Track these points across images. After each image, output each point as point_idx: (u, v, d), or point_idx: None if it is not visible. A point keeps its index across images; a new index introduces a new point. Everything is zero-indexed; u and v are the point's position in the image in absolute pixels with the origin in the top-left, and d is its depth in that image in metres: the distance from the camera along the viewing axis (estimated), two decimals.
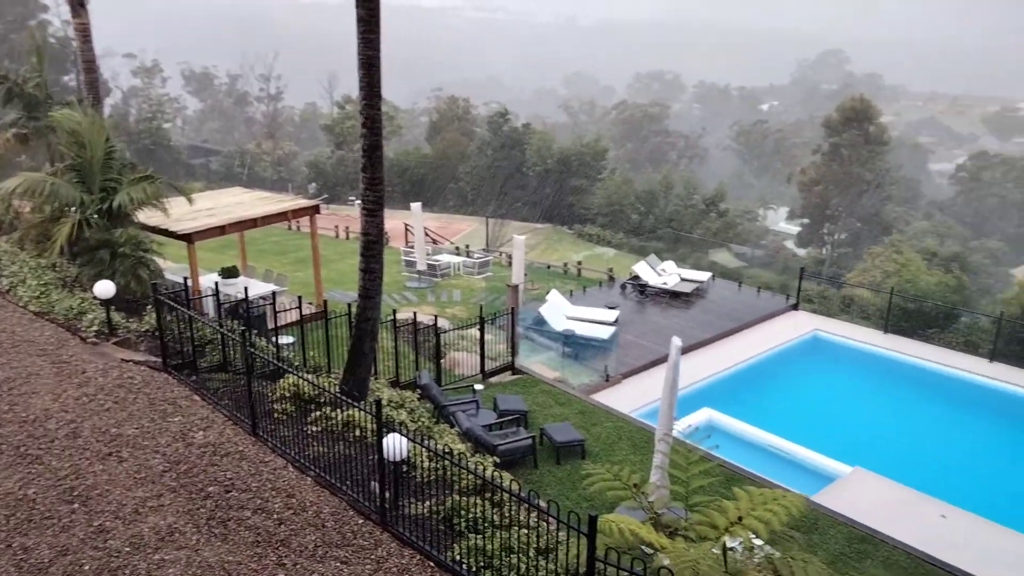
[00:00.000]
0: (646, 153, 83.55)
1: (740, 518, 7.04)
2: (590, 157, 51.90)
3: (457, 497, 8.45)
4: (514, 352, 16.97)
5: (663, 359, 19.11)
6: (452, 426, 12.33)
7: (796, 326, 21.85)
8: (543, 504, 9.17)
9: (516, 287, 18.63)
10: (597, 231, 46.59)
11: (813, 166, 52.83)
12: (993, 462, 15.90)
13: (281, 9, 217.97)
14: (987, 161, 71.18)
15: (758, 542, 7.23)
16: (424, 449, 8.07)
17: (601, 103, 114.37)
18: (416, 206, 26.26)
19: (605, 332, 19.98)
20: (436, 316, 17.12)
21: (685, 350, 19.73)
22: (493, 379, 16.33)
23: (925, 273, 29.63)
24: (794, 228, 60.62)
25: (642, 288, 24.12)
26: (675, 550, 6.70)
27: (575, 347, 19.76)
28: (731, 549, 7.06)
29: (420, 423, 11.49)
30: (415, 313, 17.19)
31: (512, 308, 16.92)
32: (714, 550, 6.93)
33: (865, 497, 13.09)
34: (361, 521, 8.07)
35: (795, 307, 23.05)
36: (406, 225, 32.69)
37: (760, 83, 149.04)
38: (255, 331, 12.91)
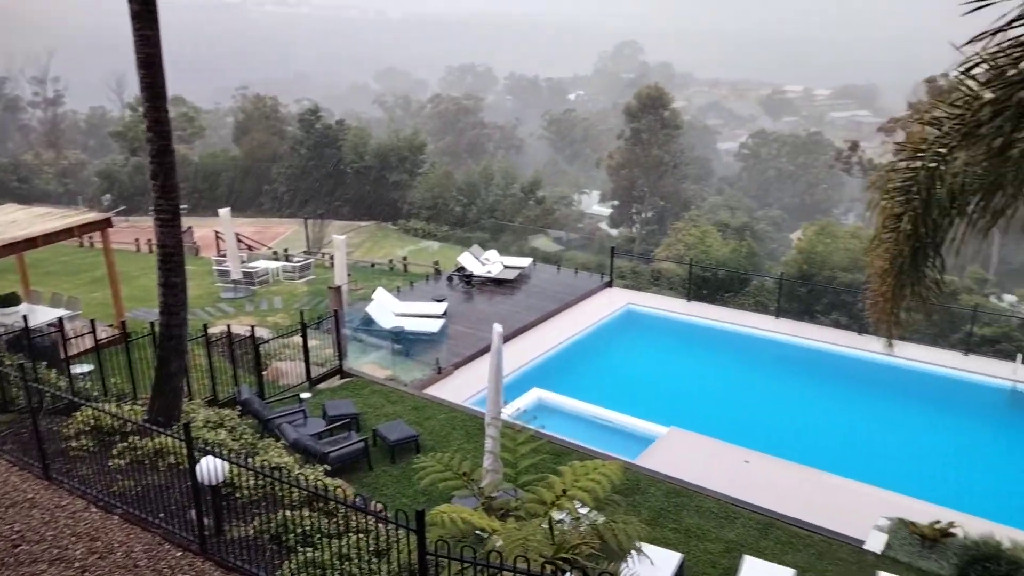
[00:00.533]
0: (464, 145, 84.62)
1: (565, 491, 7.40)
2: (408, 151, 51.64)
3: (286, 512, 8.14)
4: (341, 355, 16.57)
5: (489, 347, 19.62)
6: (278, 439, 11.82)
7: (611, 302, 23.18)
8: (379, 506, 9.07)
9: (339, 288, 18.18)
10: (422, 225, 46.59)
11: (619, 151, 56.15)
12: (783, 406, 17.85)
13: (52, 1, 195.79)
14: (764, 139, 79.47)
15: (584, 510, 7.63)
16: (244, 469, 7.68)
17: (416, 97, 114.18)
18: (224, 212, 24.78)
19: (434, 325, 20.04)
20: (253, 327, 16.28)
21: (513, 334, 20.41)
22: (321, 385, 15.86)
23: (720, 243, 32.63)
24: (606, 210, 64.19)
25: (468, 278, 24.45)
26: (506, 531, 6.90)
27: (406, 343, 19.65)
28: (559, 522, 7.40)
29: (243, 441, 10.91)
30: (229, 326, 16.28)
31: (335, 310, 16.49)
32: (543, 525, 7.23)
33: (680, 454, 14.21)
34: (179, 554, 7.54)
35: (609, 284, 24.44)
36: (216, 233, 30.71)
37: (566, 74, 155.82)
38: (44, 363, 11.59)
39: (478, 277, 24.42)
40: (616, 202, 59.16)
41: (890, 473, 14.01)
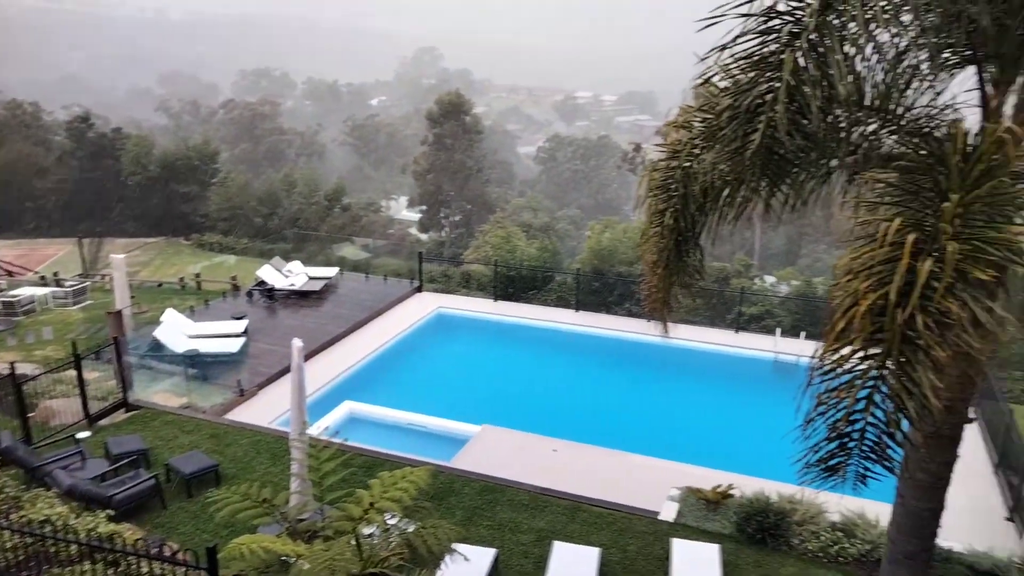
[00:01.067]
0: (263, 152, 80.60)
1: (372, 504, 7.26)
2: (199, 160, 48.21)
3: (59, 570, 7.25)
4: (125, 386, 15.08)
5: None
6: (50, 488, 10.50)
7: (422, 307, 23.21)
8: (172, 547, 8.35)
9: (119, 313, 16.54)
10: (218, 239, 43.71)
11: (423, 156, 56.41)
12: (587, 394, 18.91)
13: None
14: (559, 142, 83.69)
15: (393, 521, 7.54)
16: None
17: (206, 102, 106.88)
18: None
19: (234, 345, 18.88)
20: (13, 363, 14.33)
21: (321, 347, 19.76)
22: (104, 422, 14.33)
23: (525, 243, 33.86)
24: (415, 215, 64.26)
25: (270, 292, 23.31)
26: (312, 553, 6.64)
27: (202, 367, 18.32)
28: (369, 536, 7.25)
29: (3, 495, 9.57)
30: (12, 365, 14.20)
31: (115, 337, 14.98)
32: (352, 542, 7.05)
33: (493, 451, 14.54)
34: None
35: (419, 289, 24.45)
36: None
37: (367, 79, 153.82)
38: None
39: (281, 290, 23.37)
40: (424, 207, 59.39)
41: (680, 446, 15.30)
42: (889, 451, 4.22)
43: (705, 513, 11.48)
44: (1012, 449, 12.87)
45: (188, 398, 16.73)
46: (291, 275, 24.18)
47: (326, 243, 43.18)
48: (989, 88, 5.15)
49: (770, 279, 32.87)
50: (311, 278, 24.11)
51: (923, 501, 6.45)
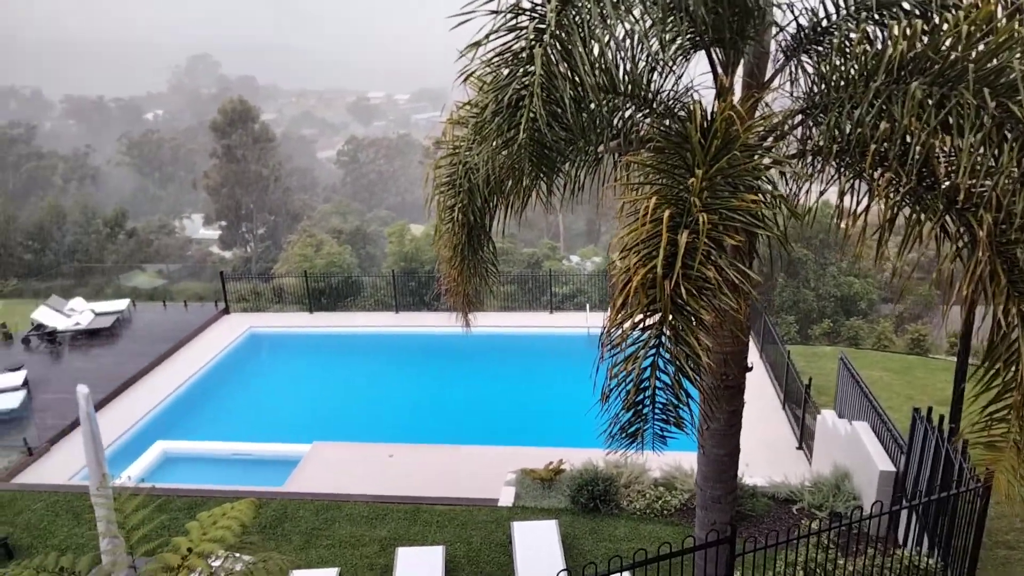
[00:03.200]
0: (23, 182, 71.59)
1: (191, 549, 6.80)
2: None
3: None
4: None
5: (96, 408, 17.09)
6: None
7: (232, 329, 21.93)
8: None
9: None
10: None
11: (215, 169, 53.03)
12: (417, 394, 18.91)
13: None
14: (359, 144, 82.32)
15: (218, 563, 7.12)
16: None
17: None
18: None
19: (12, 400, 16.74)
20: None
21: (121, 388, 18.03)
22: None
23: (339, 249, 33.00)
24: (215, 233, 60.40)
25: (51, 336, 20.86)
26: None
27: None
28: None
29: None
30: None
31: None
32: None
33: (327, 467, 14.14)
34: None
35: (226, 311, 23.07)
36: None
37: (138, 92, 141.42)
38: None
39: (64, 332, 21.00)
40: (223, 223, 55.93)
41: (513, 430, 15.81)
42: (680, 410, 4.64)
43: (541, 491, 11.94)
44: (792, 387, 14.63)
45: None
46: (74, 313, 21.80)
47: (113, 274, 39.34)
48: (720, 70, 5.80)
49: (575, 258, 34.66)
50: (98, 314, 21.89)
51: (721, 447, 7.17)
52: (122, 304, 22.96)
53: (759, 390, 16.17)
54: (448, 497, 11.91)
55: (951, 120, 4.31)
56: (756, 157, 4.55)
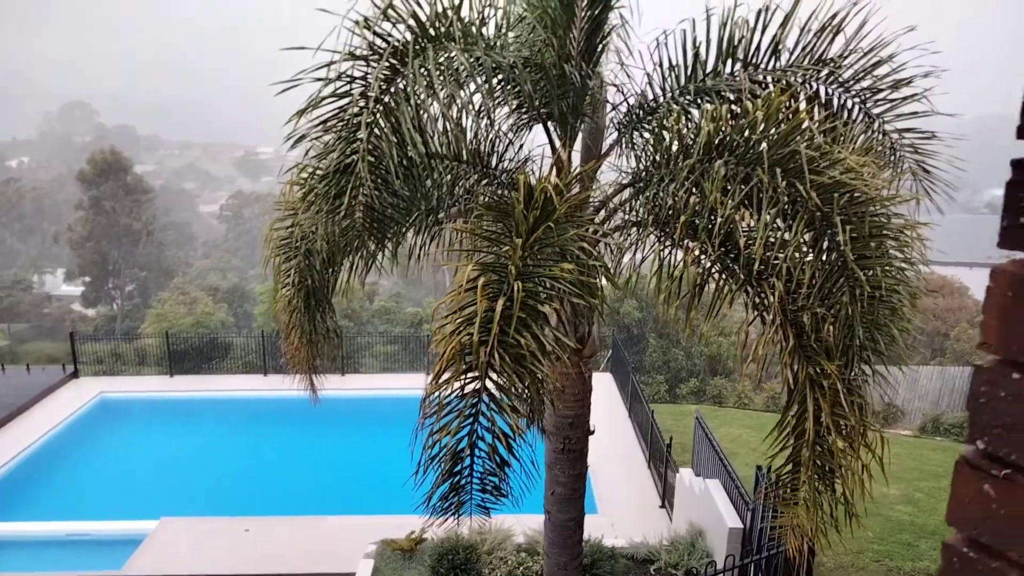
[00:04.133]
0: None
1: None
2: None
3: None
4: None
5: None
6: None
7: (80, 394, 20.23)
8: None
9: None
10: None
11: (80, 222, 49.85)
12: (279, 462, 17.91)
13: None
14: (244, 199, 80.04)
15: None
16: None
17: None
18: None
19: None
20: None
21: None
22: None
23: (210, 309, 31.46)
24: (78, 289, 56.44)
25: None
26: None
27: None
28: None
29: None
30: None
31: None
32: None
33: (176, 544, 13.07)
34: None
35: (75, 375, 21.31)
36: None
37: (3, 137, 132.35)
38: None
39: None
40: (87, 279, 52.32)
41: (381, 498, 15.21)
42: (501, 481, 4.57)
43: (402, 563, 11.47)
44: (657, 446, 14.96)
45: None
46: None
47: None
48: (556, 143, 6.00)
49: None
50: None
51: (565, 512, 7.13)
52: None
53: (628, 450, 16.44)
54: (302, 573, 11.23)
55: (752, 197, 4.60)
56: (576, 228, 4.67)
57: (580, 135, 6.18)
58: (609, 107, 6.09)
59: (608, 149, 6.08)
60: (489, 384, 4.26)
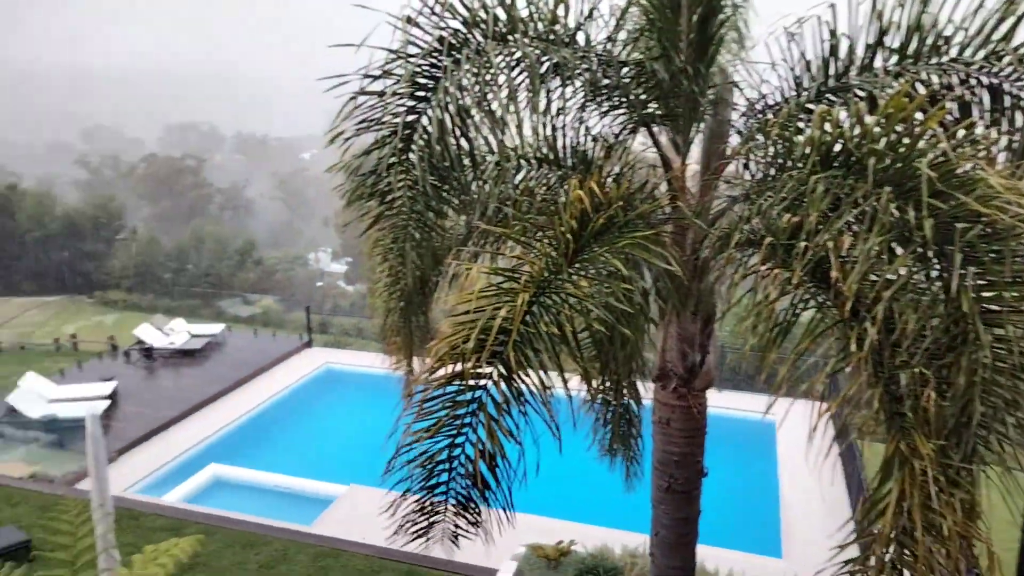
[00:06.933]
0: (185, 208, 78.99)
1: None
2: (104, 217, 46.89)
3: None
4: None
5: (169, 424, 18.19)
6: None
7: (310, 362, 22.74)
8: None
9: None
10: (122, 296, 42.32)
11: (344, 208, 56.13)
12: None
13: None
14: None
15: None
16: None
17: (127, 157, 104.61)
18: None
19: (96, 408, 18.05)
20: None
21: (193, 408, 19.03)
22: None
23: None
24: (343, 267, 63.77)
25: (147, 352, 22.52)
26: None
27: (60, 433, 17.52)
28: None
29: None
30: None
31: None
32: None
33: (357, 512, 14.11)
34: None
35: (309, 344, 23.99)
36: None
37: (299, 132, 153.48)
38: None
39: (160, 349, 22.61)
40: (350, 259, 58.94)
41: (526, 494, 15.11)
42: (475, 506, 4.30)
43: (545, 571, 11.28)
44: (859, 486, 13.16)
45: (40, 466, 15.89)
46: (172, 333, 23.46)
47: (237, 298, 42.20)
48: (664, 146, 5.38)
49: None
50: (193, 336, 23.43)
51: (669, 559, 6.42)
52: (216, 328, 24.46)
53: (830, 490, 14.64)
54: (449, 561, 11.47)
55: (858, 222, 3.71)
56: (627, 241, 4.12)
57: (697, 137, 5.49)
58: (726, 107, 5.32)
59: (725, 162, 5.33)
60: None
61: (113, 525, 9.85)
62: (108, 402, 18.49)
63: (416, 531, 4.35)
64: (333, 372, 22.64)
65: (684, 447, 6.01)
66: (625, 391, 7.01)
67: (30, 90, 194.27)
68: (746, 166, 5.02)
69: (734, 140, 5.52)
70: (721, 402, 16.84)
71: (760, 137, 5.01)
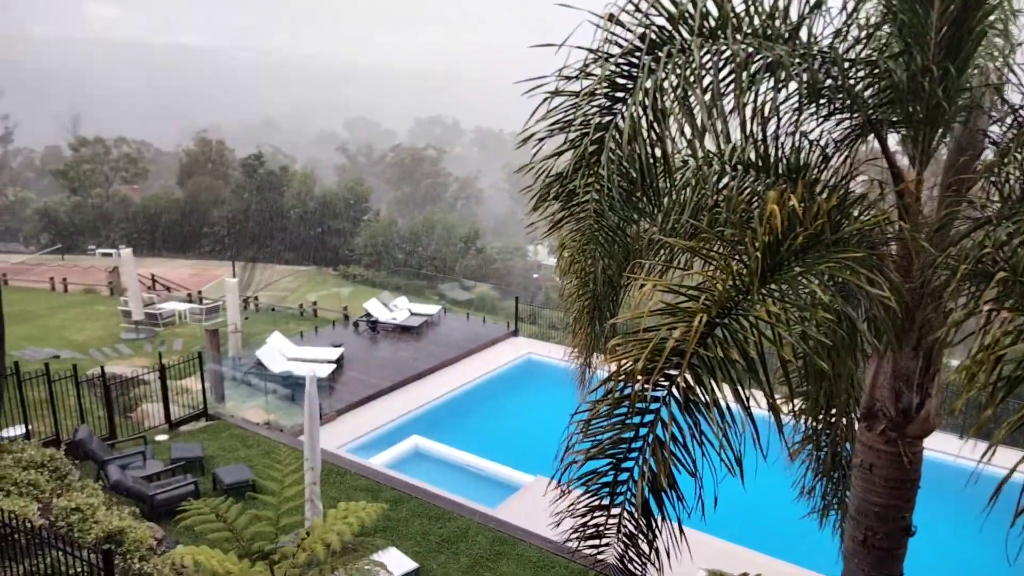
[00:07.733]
0: (422, 195, 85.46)
1: (308, 534, 7.55)
2: (353, 199, 52.15)
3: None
4: (206, 397, 16.53)
5: (382, 392, 19.72)
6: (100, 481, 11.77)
7: (514, 350, 23.45)
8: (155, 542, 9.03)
9: (215, 332, 18.24)
10: (361, 271, 46.81)
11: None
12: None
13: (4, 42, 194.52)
14: None
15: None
16: None
17: (380, 146, 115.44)
18: (126, 252, 24.79)
19: (324, 370, 20.11)
20: (104, 367, 16.17)
21: (404, 381, 20.50)
22: (185, 427, 15.76)
23: None
24: (555, 260, 65.27)
25: (373, 325, 24.61)
26: (236, 570, 6.99)
27: (293, 388, 19.70)
28: (307, 566, 7.47)
29: (57, 483, 10.83)
30: (103, 367, 16.17)
31: (199, 353, 16.53)
32: (282, 569, 7.33)
33: (538, 503, 14.28)
34: None
35: (515, 333, 24.75)
36: (153, 275, 30.85)
37: (536, 128, 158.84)
38: None
39: (384, 323, 24.60)
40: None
41: (723, 520, 14.21)
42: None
43: None
44: None
45: (274, 416, 18.01)
46: (396, 310, 25.39)
47: (456, 282, 44.85)
48: (895, 154, 4.66)
49: None
50: (412, 314, 25.18)
51: None
52: (434, 309, 26.09)
53: None
54: (619, 568, 11.19)
55: None
56: (827, 263, 3.59)
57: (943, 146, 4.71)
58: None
59: (967, 169, 4.50)
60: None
61: (319, 478, 10.89)
62: (334, 366, 20.46)
63: (587, 544, 4.19)
64: (534, 362, 23.14)
65: (888, 498, 5.22)
66: (828, 429, 6.30)
67: (304, 83, 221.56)
68: (996, 184, 4.20)
69: (988, 154, 4.66)
70: (948, 448, 14.63)
71: (1021, 154, 4.17)
